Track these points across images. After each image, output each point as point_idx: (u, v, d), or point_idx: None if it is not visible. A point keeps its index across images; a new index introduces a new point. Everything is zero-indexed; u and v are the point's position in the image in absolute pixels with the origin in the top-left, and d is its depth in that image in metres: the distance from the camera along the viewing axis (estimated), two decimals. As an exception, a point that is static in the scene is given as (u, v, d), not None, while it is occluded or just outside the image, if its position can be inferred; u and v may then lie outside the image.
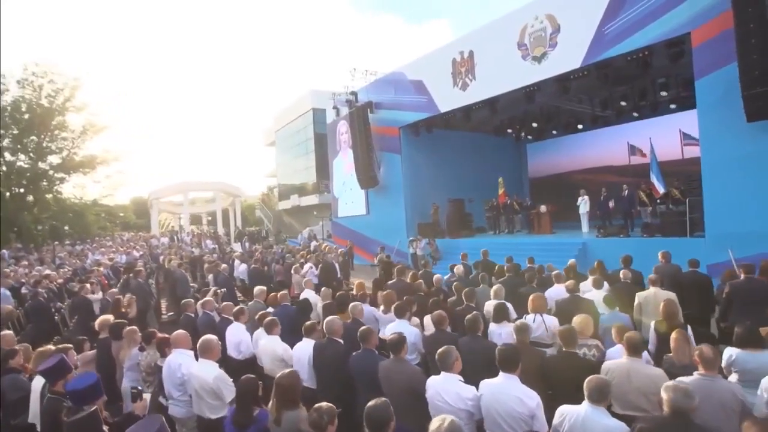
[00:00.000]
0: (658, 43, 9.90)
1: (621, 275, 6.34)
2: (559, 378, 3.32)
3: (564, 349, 3.43)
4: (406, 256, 16.34)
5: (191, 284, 10.74)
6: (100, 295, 8.90)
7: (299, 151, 27.75)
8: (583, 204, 13.84)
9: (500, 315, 4.57)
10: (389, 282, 7.06)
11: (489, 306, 5.27)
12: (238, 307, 5.13)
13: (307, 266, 9.84)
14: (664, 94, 13.59)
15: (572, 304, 4.98)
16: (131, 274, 9.08)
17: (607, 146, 17.61)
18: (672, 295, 5.28)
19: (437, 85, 15.57)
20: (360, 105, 18.45)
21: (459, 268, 7.38)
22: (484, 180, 18.80)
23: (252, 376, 3.06)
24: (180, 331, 4.02)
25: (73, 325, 8.93)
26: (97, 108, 21.62)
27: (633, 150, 15.85)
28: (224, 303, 5.61)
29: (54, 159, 21.28)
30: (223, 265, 10.00)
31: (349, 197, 20.72)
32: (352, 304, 4.91)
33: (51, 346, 3.89)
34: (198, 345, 3.61)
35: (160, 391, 4.08)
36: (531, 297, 4.59)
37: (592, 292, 5.67)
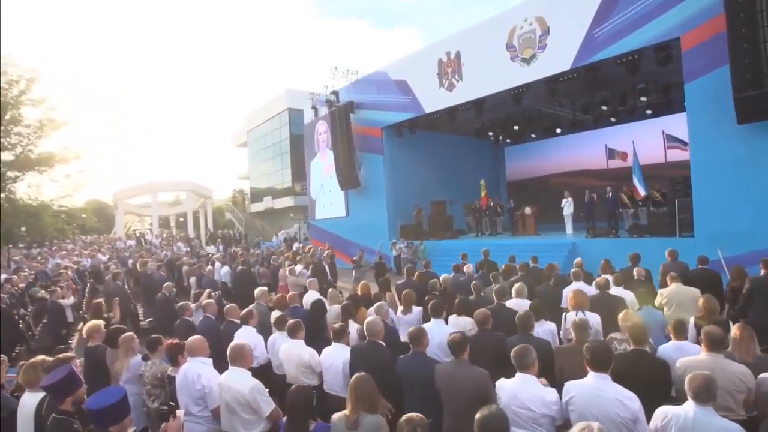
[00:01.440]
0: (648, 47, 10.11)
1: (635, 273, 6.30)
2: (631, 377, 3.08)
3: (633, 347, 3.21)
4: (387, 259, 16.03)
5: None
6: (71, 299, 8.13)
7: (273, 152, 26.96)
8: (567, 206, 13.99)
9: (538, 313, 4.33)
10: (398, 282, 6.73)
11: (511, 304, 5.07)
12: (247, 310, 4.66)
13: (299, 268, 9.36)
14: (643, 99, 14.00)
15: (603, 302, 4.83)
16: (108, 276, 8.32)
17: (586, 150, 17.97)
18: (697, 291, 5.24)
19: (422, 85, 15.41)
20: (341, 105, 18.07)
21: (469, 267, 7.16)
22: (462, 183, 18.85)
23: (304, 385, 2.67)
24: (196, 336, 3.54)
25: (39, 333, 8.11)
26: (57, 102, 20.16)
27: (612, 153, 16.20)
28: (229, 305, 5.10)
29: (6, 156, 19.67)
30: (208, 267, 9.36)
31: (328, 199, 20.24)
32: (377, 305, 4.56)
33: (43, 357, 3.31)
34: (228, 351, 3.16)
35: (173, 402, 3.60)
36: (571, 293, 4.40)
37: (614, 289, 5.55)
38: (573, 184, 18.08)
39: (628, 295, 5.27)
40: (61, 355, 3.16)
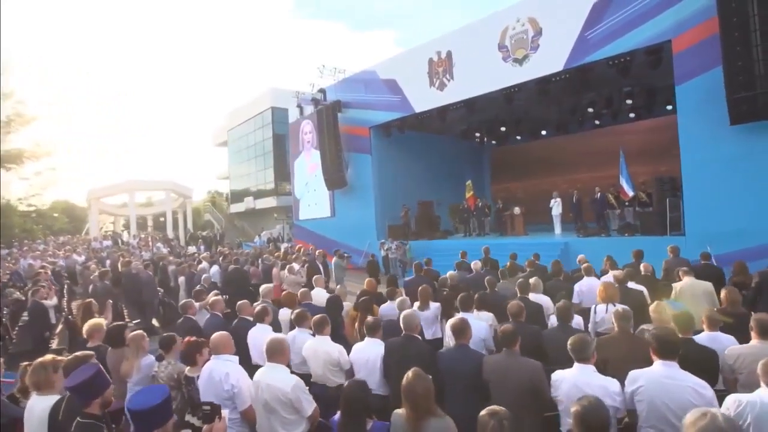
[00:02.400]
0: (639, 49, 10.30)
1: (642, 268, 6.35)
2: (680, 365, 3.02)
3: (680, 336, 3.14)
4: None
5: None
6: (54, 300, 7.64)
7: (256, 151, 26.37)
8: (556, 206, 14.15)
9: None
10: (407, 279, 6.58)
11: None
12: (261, 307, 4.41)
13: (296, 266, 9.09)
14: (629, 102, 14.32)
15: (626, 294, 4.80)
16: (94, 275, 7.86)
17: (572, 152, 18.26)
18: (710, 285, 5.30)
19: (412, 84, 15.34)
20: (329, 103, 17.83)
21: (477, 264, 7.07)
22: (448, 183, 18.91)
23: (360, 380, 2.47)
24: (221, 333, 3.29)
25: (18, 335, 7.57)
26: (25, 96, 19.18)
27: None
28: (241, 302, 4.84)
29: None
30: (201, 266, 8.98)
31: (312, 199, 19.93)
32: (399, 300, 4.40)
33: (53, 356, 2.99)
34: (266, 347, 2.93)
35: (189, 408, 3.34)
36: (602, 286, 4.36)
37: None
38: (557, 186, 18.40)
39: (642, 290, 5.29)
40: (79, 353, 2.85)
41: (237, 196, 28.53)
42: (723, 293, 4.34)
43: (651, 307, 3.96)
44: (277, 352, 2.89)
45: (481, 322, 4.00)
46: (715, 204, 9.21)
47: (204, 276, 8.85)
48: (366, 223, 17.17)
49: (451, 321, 3.29)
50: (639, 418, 2.52)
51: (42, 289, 7.16)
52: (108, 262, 13.75)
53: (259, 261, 11.53)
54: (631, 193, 13.05)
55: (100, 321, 4.31)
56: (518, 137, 19.66)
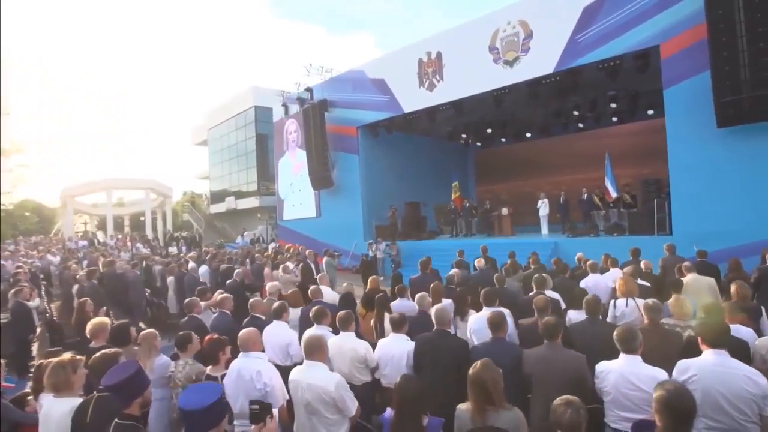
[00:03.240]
0: (628, 53, 10.55)
1: (643, 265, 6.46)
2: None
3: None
4: (357, 259, 15.74)
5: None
6: (37, 301, 7.24)
7: (238, 150, 25.82)
8: (543, 207, 14.34)
9: (581, 301, 4.27)
10: (413, 277, 6.51)
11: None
12: (279, 304, 4.25)
13: (290, 265, 8.91)
14: (613, 105, 14.68)
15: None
16: (80, 275, 7.48)
17: (555, 154, 18.59)
18: (713, 281, 5.44)
19: (401, 84, 15.32)
20: (315, 102, 17.64)
21: (481, 262, 7.07)
22: (433, 184, 18.97)
23: (412, 375, 2.38)
24: (249, 329, 3.14)
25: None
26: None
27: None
28: (253, 299, 4.67)
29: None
30: (191, 265, 8.68)
31: (297, 199, 19.66)
32: (420, 295, 4.32)
33: (71, 354, 2.78)
34: (304, 344, 2.80)
35: None
36: (621, 280, 4.38)
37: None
38: (541, 188, 18.70)
39: (649, 285, 5.37)
40: (107, 351, 2.65)
41: (217, 196, 27.86)
42: (733, 288, 4.42)
43: (671, 301, 4.02)
44: (316, 350, 2.77)
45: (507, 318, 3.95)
46: (701, 205, 9.48)
47: (192, 277, 8.58)
48: (352, 224, 17.04)
49: (488, 315, 3.23)
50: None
51: (25, 289, 6.75)
52: (85, 263, 13.19)
53: (248, 261, 11.30)
54: (615, 195, 13.38)
55: (105, 320, 4.08)
56: (503, 139, 19.89)
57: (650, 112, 15.36)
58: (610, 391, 2.64)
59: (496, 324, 3.11)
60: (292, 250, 12.36)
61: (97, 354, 2.55)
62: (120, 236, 20.72)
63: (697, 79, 9.31)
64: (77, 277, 7.67)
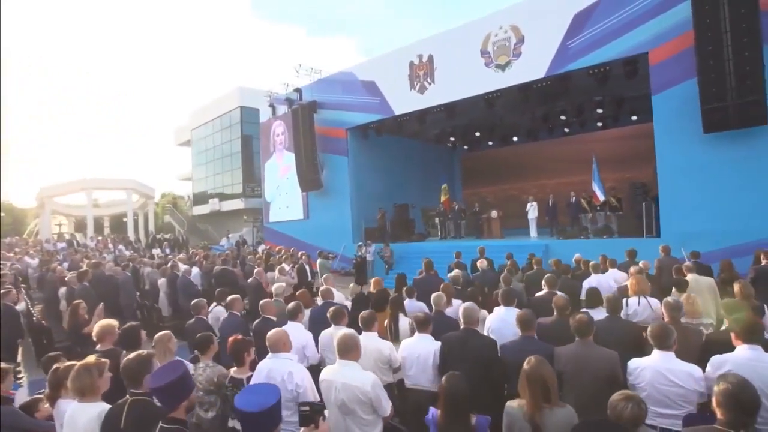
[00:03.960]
0: (617, 60, 10.81)
1: (641, 266, 6.59)
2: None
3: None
4: (351, 262, 15.66)
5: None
6: (23, 305, 6.95)
7: (223, 151, 25.35)
8: (532, 210, 14.53)
9: (594, 300, 4.33)
10: (416, 278, 6.50)
11: (544, 294, 5.06)
12: (294, 304, 4.17)
13: (287, 267, 8.80)
14: (599, 111, 15.02)
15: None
16: (69, 276, 7.21)
17: (541, 158, 18.89)
18: (712, 281, 5.59)
19: (392, 87, 15.33)
20: (304, 103, 17.49)
21: (483, 263, 7.10)
22: (421, 187, 19.05)
23: (459, 373, 2.35)
24: (278, 329, 3.06)
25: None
26: None
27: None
28: (264, 301, 4.57)
29: None
30: (184, 267, 8.47)
31: (284, 201, 19.44)
32: (436, 295, 4.30)
33: (96, 357, 2.65)
34: (338, 344, 2.74)
35: (230, 411, 3.09)
36: (633, 279, 4.46)
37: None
38: (526, 191, 19.00)
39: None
40: (141, 352, 2.53)
41: (200, 198, 27.28)
42: (737, 287, 4.53)
43: (683, 299, 4.10)
44: (351, 349, 2.71)
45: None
46: (689, 207, 9.76)
47: (185, 279, 8.38)
48: (341, 226, 16.95)
49: (518, 314, 3.23)
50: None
51: (12, 292, 6.46)
52: (66, 264, 12.75)
53: (238, 262, 11.13)
54: (602, 198, 13.68)
55: (112, 322, 3.92)
56: (490, 143, 20.12)
57: (634, 117, 15.81)
58: (646, 388, 2.66)
59: (526, 322, 3.12)
60: (284, 252, 12.20)
61: (131, 356, 2.43)
62: (100, 238, 20.08)
63: (684, 85, 9.60)
64: (66, 279, 7.37)
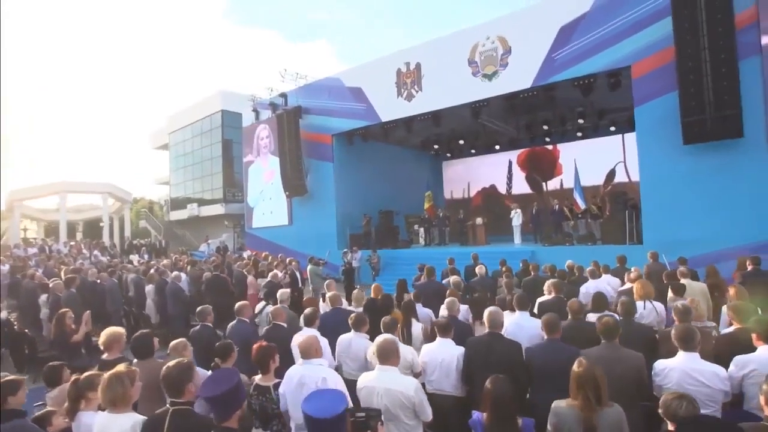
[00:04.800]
0: (602, 72, 11.18)
1: (636, 271, 6.80)
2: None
3: (739, 326, 3.39)
4: (335, 268, 15.55)
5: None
6: (4, 313, 6.61)
7: (203, 155, 24.83)
8: (517, 217, 14.80)
9: (600, 304, 4.44)
10: (417, 283, 6.52)
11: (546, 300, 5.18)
12: (311, 310, 4.11)
13: (280, 274, 8.69)
14: (581, 121, 15.50)
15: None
16: (54, 283, 6.90)
17: (522, 166, 19.32)
18: (704, 285, 5.80)
19: (379, 93, 15.42)
20: (290, 108, 17.38)
21: (481, 269, 7.17)
22: (404, 193, 19.16)
23: (504, 376, 2.37)
24: (309, 335, 3.02)
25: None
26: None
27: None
28: (274, 307, 4.49)
29: None
30: (175, 273, 8.24)
31: (268, 206, 19.20)
32: (450, 300, 4.33)
33: (126, 365, 2.54)
34: (377, 349, 2.72)
35: (254, 420, 3.03)
36: (638, 284, 4.59)
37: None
38: (504, 200, 19.42)
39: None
40: (182, 361, 2.43)
41: (178, 203, 26.60)
42: (732, 291, 4.74)
43: (688, 303, 4.25)
44: (391, 355, 2.70)
45: (536, 321, 4.03)
46: (670, 215, 10.12)
47: (174, 285, 8.14)
48: (326, 232, 16.84)
49: (544, 317, 3.28)
50: (750, 399, 2.66)
51: (-6, 300, 6.16)
52: (40, 271, 12.21)
53: (225, 269, 10.90)
54: (583, 206, 14.09)
55: (120, 330, 3.78)
56: (473, 150, 20.43)
57: (612, 128, 16.38)
58: (673, 388, 2.74)
59: (552, 325, 3.17)
60: (271, 258, 12.03)
61: (171, 364, 2.34)
62: (73, 243, 19.30)
63: (665, 98, 10.00)
64: (51, 286, 7.06)
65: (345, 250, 15.57)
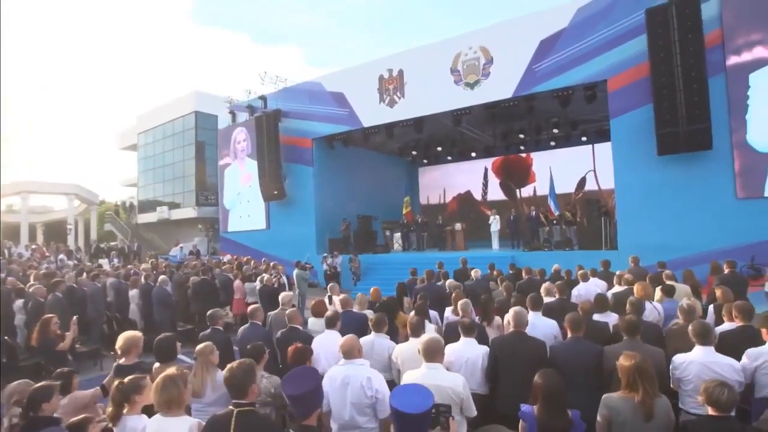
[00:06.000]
0: (579, 85, 11.70)
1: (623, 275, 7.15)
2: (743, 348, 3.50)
3: (743, 323, 3.65)
4: (314, 273, 15.45)
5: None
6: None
7: (174, 157, 24.06)
8: (495, 223, 15.17)
9: (603, 304, 4.68)
10: (418, 286, 6.63)
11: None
12: (333, 313, 4.13)
13: (274, 278, 8.61)
14: (555, 131, 16.12)
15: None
16: (33, 287, 6.56)
17: (496, 173, 19.85)
18: (688, 288, 6.18)
19: (361, 99, 15.51)
20: (269, 111, 17.19)
21: (477, 272, 7.35)
22: (381, 199, 19.31)
23: (552, 370, 2.50)
24: (351, 336, 3.04)
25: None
26: None
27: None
28: (290, 310, 4.47)
29: None
30: (161, 277, 8.00)
31: (245, 210, 18.87)
32: (464, 302, 4.45)
33: (176, 369, 2.49)
34: (424, 348, 2.79)
35: (289, 422, 3.03)
36: (639, 286, 4.83)
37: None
38: (479, 206, 19.91)
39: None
40: (246, 361, 2.40)
41: (147, 206, 25.63)
42: (718, 292, 5.08)
43: (684, 303, 4.54)
44: (437, 353, 2.78)
45: (551, 320, 4.21)
46: (643, 222, 10.67)
47: (161, 290, 7.91)
48: (304, 237, 16.70)
49: (568, 316, 3.44)
50: (762, 388, 2.90)
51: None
52: (2, 275, 11.53)
53: (210, 273, 10.67)
54: (557, 212, 14.62)
55: (137, 334, 3.68)
56: (449, 157, 20.82)
57: (584, 138, 17.11)
58: (693, 380, 2.95)
59: (576, 324, 3.34)
60: (254, 263, 11.86)
61: (234, 365, 2.32)
62: (35, 246, 18.25)
63: (639, 111, 10.59)
64: (31, 290, 6.70)
65: (325, 254, 15.51)
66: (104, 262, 15.07)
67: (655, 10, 9.98)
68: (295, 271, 10.68)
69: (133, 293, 8.09)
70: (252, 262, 11.96)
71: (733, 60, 9.69)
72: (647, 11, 10.09)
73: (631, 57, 10.74)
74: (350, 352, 2.91)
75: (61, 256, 15.86)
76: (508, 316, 3.51)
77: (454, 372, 3.55)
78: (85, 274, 9.13)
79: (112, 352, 7.63)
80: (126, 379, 2.64)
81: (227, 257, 14.42)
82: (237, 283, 9.29)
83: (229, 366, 2.34)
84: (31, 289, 6.73)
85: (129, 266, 11.05)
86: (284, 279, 10.05)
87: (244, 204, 18.77)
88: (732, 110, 9.64)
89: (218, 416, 2.24)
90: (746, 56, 9.56)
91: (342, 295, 5.25)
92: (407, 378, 2.84)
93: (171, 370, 2.47)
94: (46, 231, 26.60)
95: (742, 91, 9.51)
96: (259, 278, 8.81)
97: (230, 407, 2.23)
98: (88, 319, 7.57)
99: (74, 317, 5.66)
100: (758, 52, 9.45)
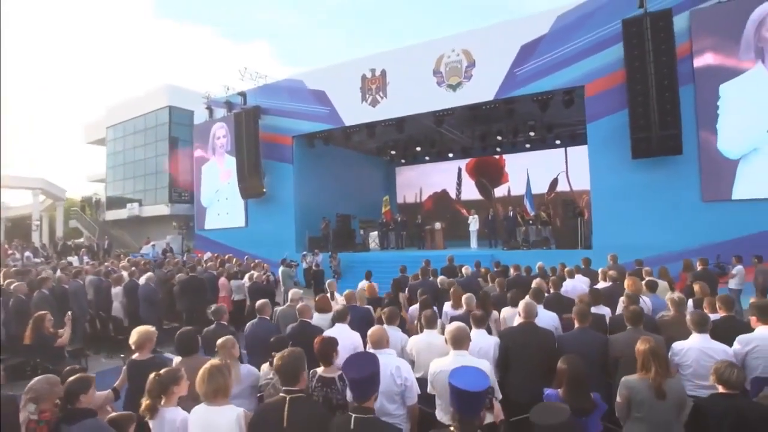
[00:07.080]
0: (558, 90, 12.16)
1: (600, 272, 7.53)
2: (728, 336, 3.81)
3: (725, 314, 3.97)
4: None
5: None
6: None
7: (145, 152, 23.26)
8: (474, 222, 15.53)
9: (597, 298, 4.96)
10: (412, 283, 6.78)
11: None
12: (342, 306, 4.22)
13: (255, 275, 8.58)
14: (532, 134, 16.65)
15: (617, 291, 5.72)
16: (16, 285, 6.32)
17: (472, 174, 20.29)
18: (666, 284, 6.58)
19: (343, 98, 15.54)
20: (248, 108, 16.97)
21: (467, 269, 7.56)
22: (360, 198, 19.42)
23: (575, 356, 2.68)
24: (379, 326, 3.16)
25: None
26: None
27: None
28: (301, 304, 4.51)
29: None
30: (147, 274, 7.83)
31: (223, 207, 18.56)
32: (468, 296, 4.63)
33: (222, 359, 2.52)
34: (451, 336, 2.93)
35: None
36: (630, 280, 5.13)
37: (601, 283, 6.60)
38: (456, 206, 20.31)
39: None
40: (296, 349, 2.45)
41: (116, 202, 24.70)
42: (697, 287, 5.45)
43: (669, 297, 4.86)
44: (464, 340, 2.93)
45: (552, 313, 4.44)
46: (617, 223, 11.18)
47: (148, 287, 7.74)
48: (283, 235, 16.60)
49: (575, 308, 3.65)
50: (753, 371, 3.19)
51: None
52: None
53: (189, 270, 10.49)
54: (532, 213, 15.13)
55: (151, 328, 3.65)
56: (426, 158, 21.12)
57: (558, 141, 17.74)
58: (691, 365, 3.21)
59: (583, 315, 3.56)
60: (235, 260, 11.73)
61: (285, 353, 2.38)
62: (-2, 244, 17.30)
63: (615, 116, 11.11)
64: (12, 287, 6.44)
65: (304, 252, 15.46)
66: (73, 260, 14.49)
67: (631, 20, 10.50)
68: (281, 269, 10.65)
69: (116, 291, 7.87)
70: (234, 260, 11.81)
71: (702, 71, 10.31)
72: (623, 21, 10.60)
73: (608, 64, 11.25)
74: (379, 342, 3.02)
75: (27, 253, 15.16)
76: (506, 312, 3.71)
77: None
78: (59, 272, 8.86)
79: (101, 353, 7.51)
80: (162, 371, 2.66)
81: (207, 255, 14.14)
82: (222, 280, 9.19)
83: (279, 354, 2.41)
84: (11, 287, 6.46)
85: (106, 264, 10.70)
86: (272, 276, 10.02)
87: (222, 201, 18.45)
88: (702, 118, 10.25)
89: (270, 403, 2.31)
90: (715, 68, 10.19)
91: (346, 291, 5.33)
92: (435, 365, 2.98)
93: (215, 361, 2.51)
94: (6, 228, 25.18)
95: (712, 101, 10.13)
96: (248, 275, 8.74)
97: (281, 394, 2.30)
98: (73, 317, 7.32)
99: (68, 313, 5.50)
100: (726, 64, 10.09)
